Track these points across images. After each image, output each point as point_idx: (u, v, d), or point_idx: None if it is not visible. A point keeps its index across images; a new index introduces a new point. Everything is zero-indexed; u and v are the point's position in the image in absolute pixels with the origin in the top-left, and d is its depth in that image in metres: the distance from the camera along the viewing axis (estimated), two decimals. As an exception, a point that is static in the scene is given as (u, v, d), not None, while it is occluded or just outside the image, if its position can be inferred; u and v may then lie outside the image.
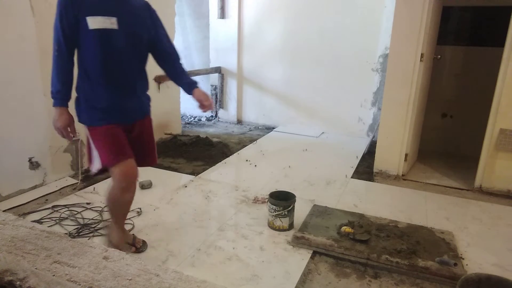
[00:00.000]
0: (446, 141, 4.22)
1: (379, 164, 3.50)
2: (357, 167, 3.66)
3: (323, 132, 4.90)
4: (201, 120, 5.55)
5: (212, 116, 5.61)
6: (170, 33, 4.42)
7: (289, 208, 2.35)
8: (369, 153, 4.10)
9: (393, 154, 3.42)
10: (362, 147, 4.28)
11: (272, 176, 3.35)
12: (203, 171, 3.41)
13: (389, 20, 4.26)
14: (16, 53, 2.66)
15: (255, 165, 3.61)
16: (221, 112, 5.51)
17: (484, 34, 3.83)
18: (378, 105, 4.58)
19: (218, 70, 5.27)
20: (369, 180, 3.36)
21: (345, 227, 2.31)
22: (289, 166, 3.60)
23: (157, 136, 4.26)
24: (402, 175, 3.43)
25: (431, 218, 2.65)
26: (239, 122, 5.44)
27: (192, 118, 5.62)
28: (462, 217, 2.69)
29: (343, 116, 4.80)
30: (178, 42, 5.21)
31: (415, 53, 3.13)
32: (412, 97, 3.24)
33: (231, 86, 5.32)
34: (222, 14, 5.08)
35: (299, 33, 4.78)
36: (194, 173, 3.36)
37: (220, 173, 3.40)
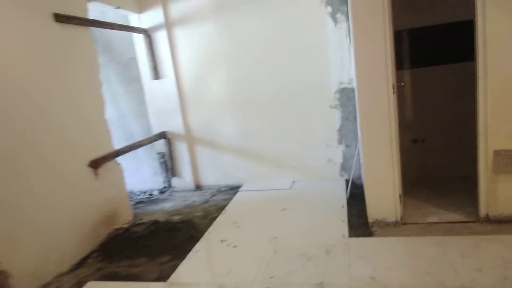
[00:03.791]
0: (422, 167, 3.97)
1: (373, 212, 3.07)
2: (348, 220, 3.20)
3: (294, 181, 4.44)
4: (152, 195, 4.81)
5: (165, 187, 4.91)
6: (99, 105, 3.76)
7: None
8: (352, 197, 3.70)
9: (386, 199, 3.02)
10: (341, 191, 3.88)
11: (259, 257, 2.74)
12: (173, 272, 2.70)
13: (336, 54, 4.06)
14: None
15: (234, 246, 2.99)
16: (175, 181, 4.83)
17: (437, 53, 3.73)
18: (345, 142, 4.26)
19: (162, 135, 4.66)
20: (369, 235, 2.90)
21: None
22: (274, 238, 3.03)
23: (104, 232, 3.47)
24: (401, 219, 3.04)
25: (461, 273, 2.22)
26: (198, 187, 4.80)
27: (142, 194, 4.86)
28: (493, 263, 2.30)
29: (311, 160, 4.40)
30: (110, 112, 4.55)
31: (386, 85, 2.84)
32: (393, 132, 2.91)
33: (182, 150, 4.71)
34: (156, 75, 4.55)
35: (245, 81, 4.39)
36: (163, 277, 2.64)
37: (196, 269, 2.72)
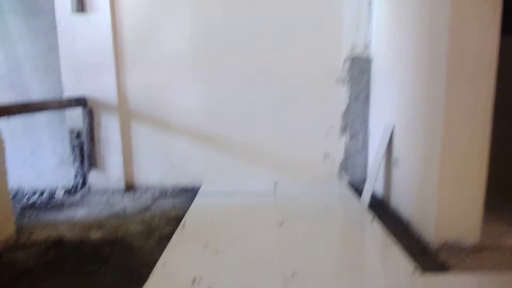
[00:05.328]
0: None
1: (442, 230, 1.94)
2: (400, 243, 2.01)
3: (276, 182, 3.15)
4: (54, 196, 3.08)
5: (76, 184, 3.21)
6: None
7: None
8: (374, 207, 2.55)
9: (465, 209, 1.92)
10: (350, 198, 2.71)
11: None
12: None
13: (351, 5, 2.95)
14: None
15: (222, 291, 1.58)
16: (94, 176, 3.17)
17: None
18: (350, 131, 3.13)
19: (81, 102, 3.00)
20: (443, 267, 1.75)
21: None
22: (293, 274, 1.69)
23: None
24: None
25: None
26: (130, 188, 3.21)
27: (37, 196, 3.10)
28: None
29: (301, 153, 3.17)
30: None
31: (492, 35, 1.78)
32: (489, 103, 1.84)
33: (110, 128, 3.09)
34: (81, 6, 2.92)
35: (221, 33, 3.02)
36: None
37: None
